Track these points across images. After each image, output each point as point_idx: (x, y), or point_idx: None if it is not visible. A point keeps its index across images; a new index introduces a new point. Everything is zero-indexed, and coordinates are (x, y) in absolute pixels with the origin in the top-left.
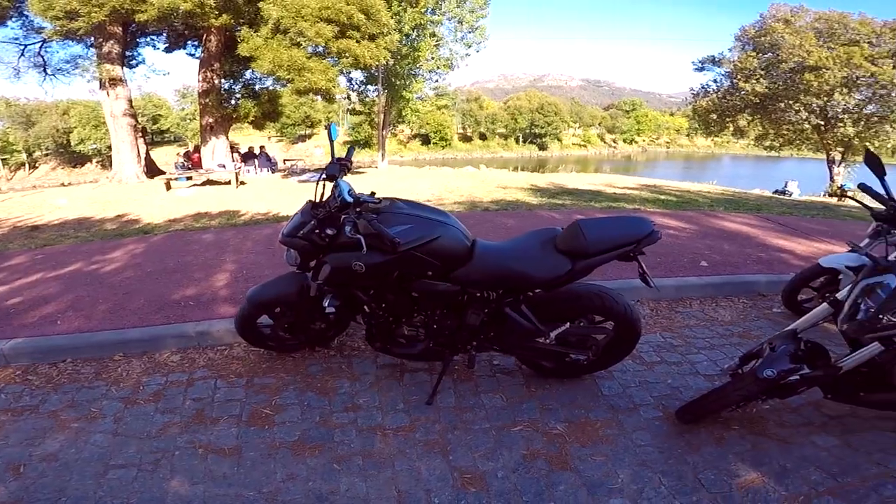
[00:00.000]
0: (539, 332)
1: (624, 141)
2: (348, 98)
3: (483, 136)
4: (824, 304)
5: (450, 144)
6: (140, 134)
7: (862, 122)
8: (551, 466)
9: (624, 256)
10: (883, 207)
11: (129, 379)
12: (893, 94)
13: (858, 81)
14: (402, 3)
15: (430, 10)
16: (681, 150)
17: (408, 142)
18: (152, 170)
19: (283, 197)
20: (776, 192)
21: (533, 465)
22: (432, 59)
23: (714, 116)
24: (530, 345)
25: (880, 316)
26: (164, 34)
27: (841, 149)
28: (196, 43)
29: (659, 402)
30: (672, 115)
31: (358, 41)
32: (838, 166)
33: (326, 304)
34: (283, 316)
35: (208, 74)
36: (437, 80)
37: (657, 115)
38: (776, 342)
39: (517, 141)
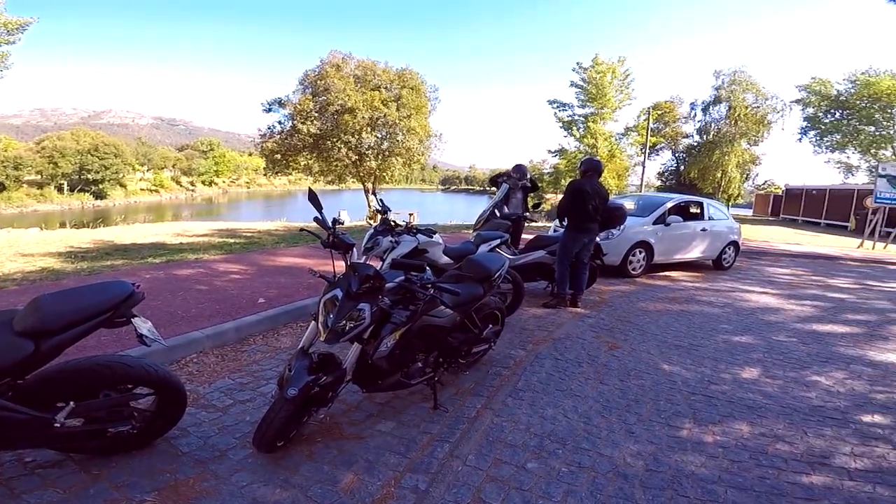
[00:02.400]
0: (42, 420)
1: (203, 183)
2: None
3: (2, 187)
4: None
5: None
6: None
7: (380, 156)
8: None
9: (112, 323)
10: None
11: None
12: (397, 132)
13: (378, 122)
14: None
15: None
16: (261, 190)
17: None
18: None
19: None
20: (334, 220)
21: None
22: None
23: (278, 156)
24: (44, 433)
25: (342, 323)
26: None
27: (371, 179)
28: None
29: (244, 441)
30: (251, 154)
31: None
32: (372, 194)
33: None
34: None
35: None
36: None
37: (236, 156)
38: (292, 362)
39: (60, 190)
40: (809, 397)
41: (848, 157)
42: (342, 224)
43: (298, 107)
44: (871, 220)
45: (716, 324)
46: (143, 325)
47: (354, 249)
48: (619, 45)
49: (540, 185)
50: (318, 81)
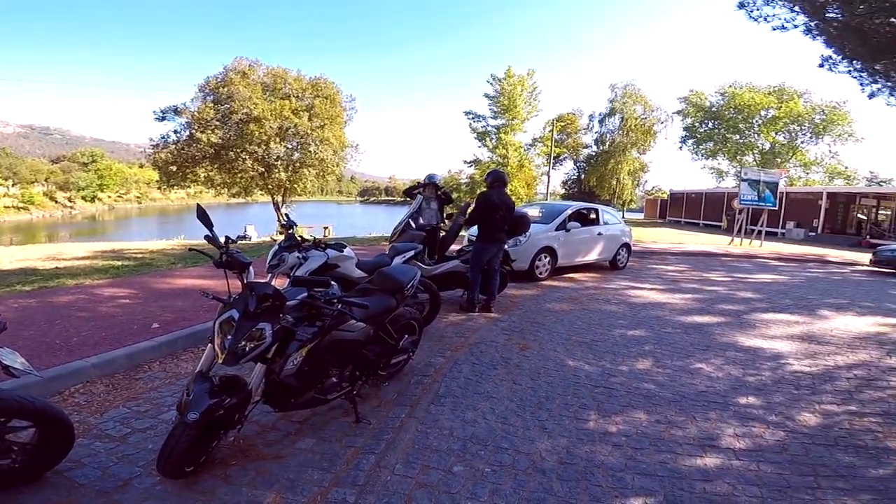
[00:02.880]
0: None
1: (84, 199)
2: None
3: None
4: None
5: None
6: None
7: (290, 168)
8: None
9: None
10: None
11: None
12: (309, 142)
13: (288, 132)
14: None
15: None
16: (155, 205)
17: None
18: None
19: None
20: (238, 237)
21: None
22: None
23: (174, 168)
24: None
25: (241, 344)
26: None
27: (281, 191)
28: None
29: (149, 469)
30: (142, 166)
31: None
32: (283, 207)
33: None
34: None
35: None
36: None
37: (123, 168)
38: (190, 386)
39: None
40: (695, 384)
41: (719, 164)
42: (248, 240)
43: (197, 115)
44: (738, 220)
45: (613, 320)
46: (10, 357)
47: (251, 268)
48: (530, 62)
49: (457, 195)
50: (221, 88)
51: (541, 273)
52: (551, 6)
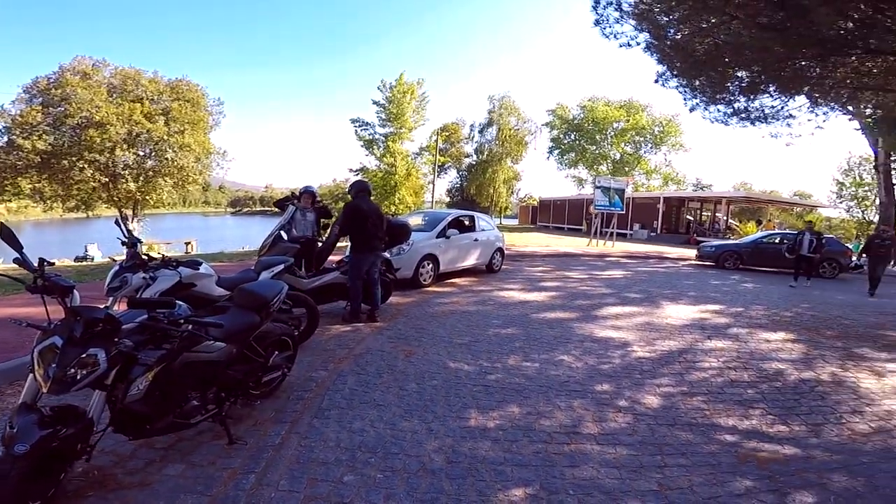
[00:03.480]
0: None
1: None
2: None
3: None
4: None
5: None
6: None
7: (142, 177)
8: None
9: None
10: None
11: None
12: (166, 148)
13: (139, 138)
14: None
15: None
16: None
17: None
18: None
19: None
20: (77, 258)
21: None
22: None
23: None
24: None
25: (70, 371)
26: None
27: (130, 204)
28: None
29: None
30: None
31: None
32: (132, 222)
33: None
34: None
35: None
36: None
37: None
38: (13, 419)
39: None
40: (558, 375)
41: (579, 172)
42: (91, 260)
43: (20, 119)
44: (594, 223)
45: (489, 320)
46: None
47: (75, 292)
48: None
49: (342, 203)
50: (55, 90)
51: (425, 280)
52: (431, 30)
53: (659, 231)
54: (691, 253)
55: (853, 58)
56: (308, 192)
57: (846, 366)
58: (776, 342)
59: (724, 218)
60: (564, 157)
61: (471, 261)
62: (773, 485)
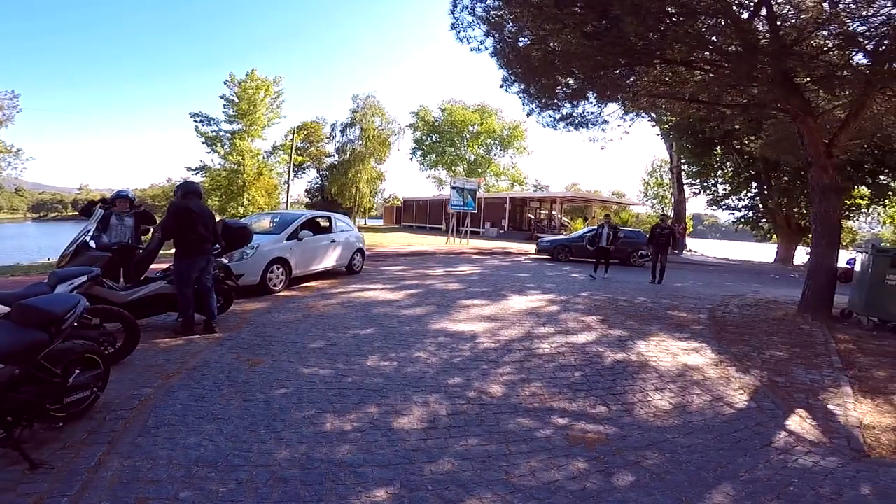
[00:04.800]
0: None
1: None
2: None
3: None
4: None
5: None
6: None
7: None
8: None
9: None
10: None
11: None
12: None
13: None
14: None
15: None
16: None
17: None
18: None
19: None
20: None
21: None
22: None
23: None
24: None
25: None
26: None
27: None
28: None
29: None
30: None
31: None
32: None
33: None
34: None
35: None
36: None
37: None
38: None
39: None
40: (415, 371)
41: (439, 173)
42: None
43: None
44: (451, 223)
45: (347, 322)
46: None
47: None
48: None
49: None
50: None
51: (275, 285)
52: (283, 16)
53: (507, 229)
54: (532, 248)
55: (656, 67)
56: (122, 197)
57: (649, 346)
58: (597, 327)
59: (559, 216)
60: (426, 159)
61: (328, 263)
62: (600, 465)
